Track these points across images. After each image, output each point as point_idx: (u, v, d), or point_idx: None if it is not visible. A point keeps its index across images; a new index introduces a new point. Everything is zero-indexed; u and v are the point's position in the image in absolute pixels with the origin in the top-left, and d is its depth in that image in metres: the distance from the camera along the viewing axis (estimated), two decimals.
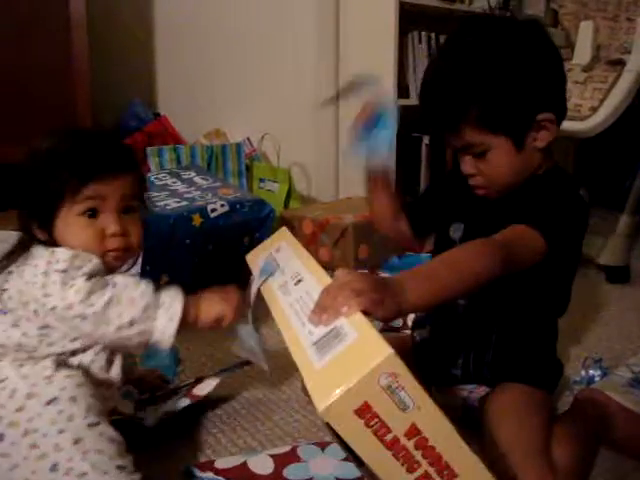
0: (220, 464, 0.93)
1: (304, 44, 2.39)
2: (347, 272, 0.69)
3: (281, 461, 0.94)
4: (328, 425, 0.57)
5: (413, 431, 0.57)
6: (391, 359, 0.55)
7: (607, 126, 1.95)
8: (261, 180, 2.28)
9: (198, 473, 0.92)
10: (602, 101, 1.97)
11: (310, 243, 1.91)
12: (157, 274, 1.54)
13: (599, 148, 2.84)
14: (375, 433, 0.56)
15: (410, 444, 0.58)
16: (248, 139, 2.42)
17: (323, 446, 0.98)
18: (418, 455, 0.58)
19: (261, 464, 0.93)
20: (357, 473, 0.90)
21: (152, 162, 2.11)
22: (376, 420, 0.56)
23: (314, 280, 0.77)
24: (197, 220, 1.58)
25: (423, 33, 2.58)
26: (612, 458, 0.97)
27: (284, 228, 1.04)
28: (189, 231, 1.56)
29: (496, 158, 0.93)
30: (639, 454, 0.98)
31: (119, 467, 0.76)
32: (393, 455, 0.58)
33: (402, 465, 0.58)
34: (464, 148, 0.95)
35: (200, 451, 0.99)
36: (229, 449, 1.00)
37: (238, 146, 2.26)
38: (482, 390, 1.00)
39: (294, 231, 1.99)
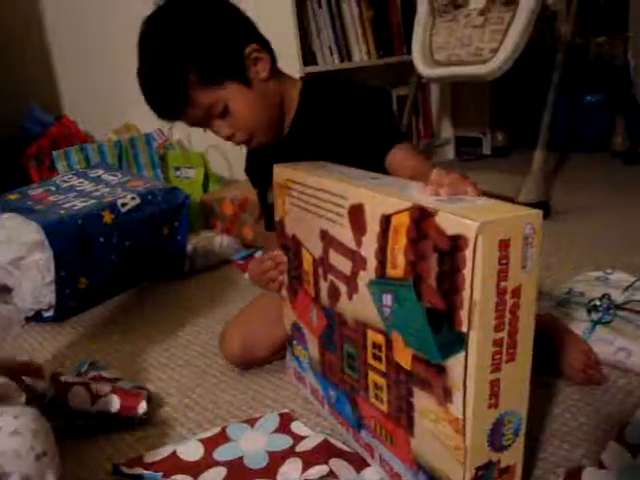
0: (149, 458, 0.91)
1: None
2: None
3: (211, 444, 0.92)
4: None
5: (517, 292, 0.58)
6: (540, 217, 0.58)
7: (510, 66, 1.97)
8: (176, 168, 2.23)
9: (126, 470, 0.89)
10: (501, 42, 1.99)
11: (232, 223, 1.88)
12: (75, 278, 1.49)
13: (514, 90, 2.88)
14: (497, 273, 0.56)
15: (509, 304, 0.58)
16: (160, 129, 2.36)
17: (252, 423, 0.96)
18: (507, 318, 0.59)
19: (191, 450, 0.91)
20: (288, 444, 0.90)
21: (60, 166, 2.04)
22: (505, 262, 0.56)
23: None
24: (108, 217, 1.53)
25: None
26: None
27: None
28: (101, 229, 1.51)
29: (238, 105, 0.98)
30: None
31: None
32: (496, 303, 0.57)
33: (494, 319, 0.58)
34: (207, 116, 0.99)
35: (129, 447, 0.96)
36: (161, 440, 0.97)
37: (147, 137, 2.20)
38: None
39: (216, 214, 1.96)
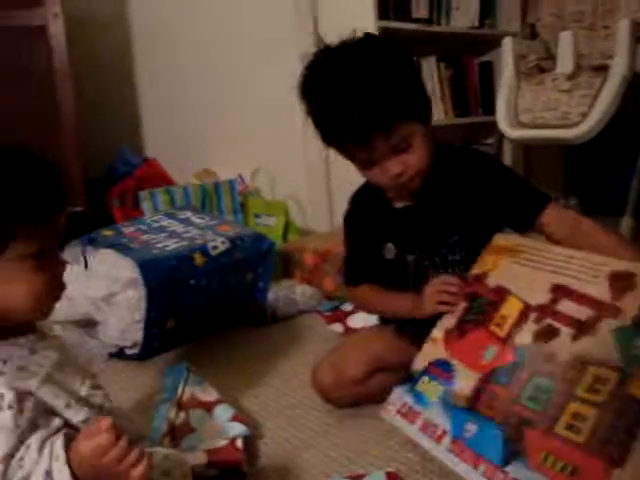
0: None
1: (289, 77, 2.38)
2: None
3: None
4: None
5: None
6: None
7: (599, 130, 1.95)
8: (257, 215, 2.25)
9: None
10: (591, 107, 1.97)
11: (313, 274, 1.88)
12: (163, 318, 1.50)
13: (588, 155, 2.84)
14: None
15: None
16: (240, 176, 2.40)
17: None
18: None
19: None
20: None
21: (145, 206, 2.09)
22: None
23: None
24: (199, 259, 1.54)
25: None
26: None
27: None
28: (192, 271, 1.52)
29: (420, 144, 1.02)
30: None
31: None
32: None
33: None
34: (392, 148, 1.01)
35: None
36: None
37: (231, 183, 2.24)
38: None
39: (295, 263, 1.96)
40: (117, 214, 2.23)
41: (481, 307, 0.99)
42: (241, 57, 2.49)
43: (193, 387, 1.18)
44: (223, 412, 1.11)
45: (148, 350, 1.51)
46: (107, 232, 1.64)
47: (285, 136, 2.43)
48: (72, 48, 2.05)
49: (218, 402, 1.14)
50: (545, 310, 0.91)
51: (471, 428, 0.87)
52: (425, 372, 0.99)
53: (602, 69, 2.06)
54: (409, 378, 1.01)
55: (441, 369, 0.97)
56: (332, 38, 1.06)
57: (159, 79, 2.65)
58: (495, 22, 2.92)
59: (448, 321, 1.01)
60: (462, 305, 1.01)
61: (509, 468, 0.80)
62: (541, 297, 0.92)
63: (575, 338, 0.85)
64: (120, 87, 2.65)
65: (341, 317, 1.62)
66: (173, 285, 1.49)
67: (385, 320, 1.23)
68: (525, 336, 0.90)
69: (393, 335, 1.18)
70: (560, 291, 0.91)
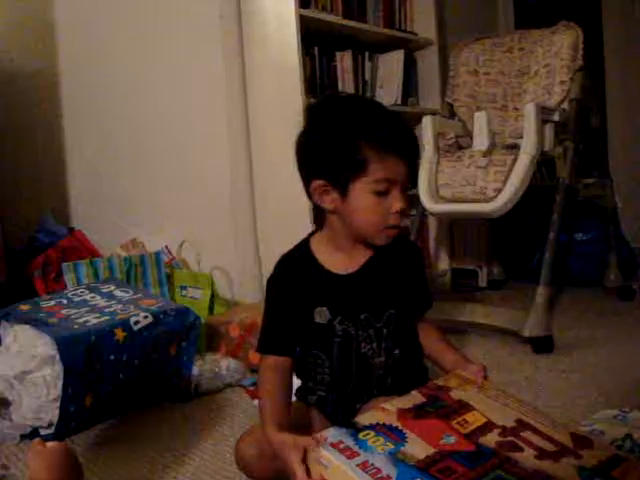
0: None
1: (216, 149, 2.42)
2: None
3: None
4: None
5: None
6: None
7: (513, 205, 2.06)
8: (182, 287, 2.24)
9: None
10: (505, 182, 2.08)
11: (238, 347, 1.87)
12: (81, 395, 1.46)
13: (508, 225, 2.98)
14: None
15: None
16: (166, 247, 2.39)
17: None
18: None
19: None
20: None
21: (68, 278, 2.04)
22: None
23: None
24: (120, 334, 1.51)
25: None
26: None
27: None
28: (113, 346, 1.49)
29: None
30: None
31: None
32: None
33: None
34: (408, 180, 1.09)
35: None
36: None
37: (157, 255, 2.23)
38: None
39: (221, 336, 1.94)
40: (39, 286, 2.18)
41: (441, 407, 1.00)
42: (170, 129, 2.53)
43: None
44: None
45: (64, 429, 1.45)
46: (24, 306, 1.60)
47: (213, 208, 2.46)
48: None
49: None
50: (509, 431, 0.94)
51: None
52: (371, 427, 0.94)
53: (513, 147, 2.19)
54: (347, 425, 0.94)
55: (391, 432, 0.93)
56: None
57: (86, 148, 2.65)
58: (417, 100, 3.08)
59: (401, 402, 1.00)
60: (418, 398, 1.01)
61: None
62: (507, 421, 0.96)
63: (539, 458, 0.88)
64: (45, 155, 2.64)
65: None
66: (92, 361, 1.45)
67: (303, 397, 1.23)
68: (490, 440, 0.92)
69: (313, 412, 1.18)
70: (525, 426, 0.95)
